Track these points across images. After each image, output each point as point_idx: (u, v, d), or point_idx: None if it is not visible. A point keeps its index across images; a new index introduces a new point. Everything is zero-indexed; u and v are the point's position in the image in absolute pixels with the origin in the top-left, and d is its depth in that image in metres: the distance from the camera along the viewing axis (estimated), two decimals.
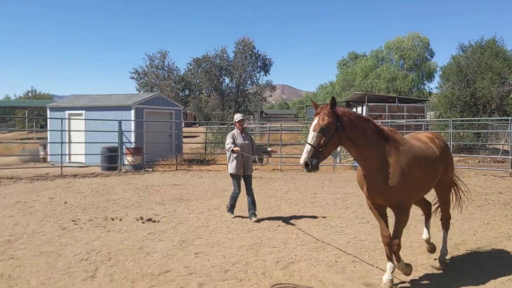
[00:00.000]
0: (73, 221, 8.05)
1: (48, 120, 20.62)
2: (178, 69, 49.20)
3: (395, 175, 4.68)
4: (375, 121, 4.99)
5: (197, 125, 49.08)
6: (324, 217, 8.54)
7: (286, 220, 8.28)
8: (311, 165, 4.41)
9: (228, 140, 8.35)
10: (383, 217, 5.06)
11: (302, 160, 4.41)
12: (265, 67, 40.10)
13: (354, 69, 50.46)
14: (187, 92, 50.44)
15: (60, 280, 5.12)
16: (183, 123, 21.50)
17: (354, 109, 21.02)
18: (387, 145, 4.75)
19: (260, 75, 40.41)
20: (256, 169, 17.00)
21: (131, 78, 48.71)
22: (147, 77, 47.55)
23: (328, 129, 4.49)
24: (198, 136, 29.29)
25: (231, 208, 8.63)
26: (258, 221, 8.14)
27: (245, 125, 9.03)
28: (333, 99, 4.61)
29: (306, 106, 59.04)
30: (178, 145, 20.30)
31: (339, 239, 6.89)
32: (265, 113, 58.79)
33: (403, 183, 4.69)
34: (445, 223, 5.88)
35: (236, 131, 8.50)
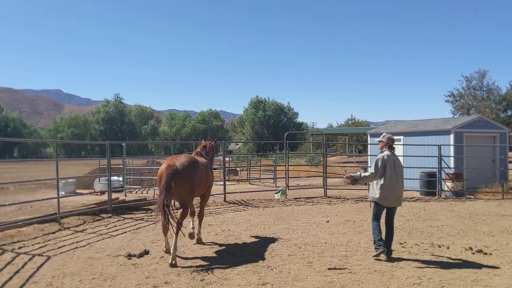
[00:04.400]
0: (400, 244, 8.32)
1: (369, 145, 22.08)
2: (499, 88, 44.83)
3: None
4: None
5: None
6: None
7: None
8: None
9: None
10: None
11: None
12: None
13: None
14: (510, 113, 45.31)
15: None
16: (507, 147, 19.24)
17: None
18: None
19: None
20: None
21: (446, 101, 47.28)
22: (463, 99, 45.10)
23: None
24: None
25: None
26: None
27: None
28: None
29: None
30: (503, 171, 18.29)
31: None
32: None
33: None
34: None
35: None
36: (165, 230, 7.36)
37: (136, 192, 19.42)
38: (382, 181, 7.30)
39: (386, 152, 7.46)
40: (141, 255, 7.47)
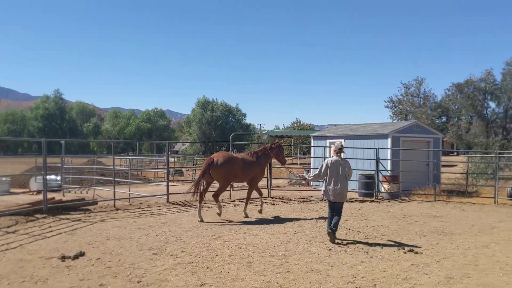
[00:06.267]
0: (337, 243, 8.57)
1: (312, 147, 22.60)
2: (434, 95, 47.31)
3: None
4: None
5: (455, 153, 45.83)
6: None
7: None
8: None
9: None
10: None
11: None
12: None
13: None
14: (444, 119, 47.89)
15: None
16: (440, 151, 20.36)
17: None
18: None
19: None
20: None
21: (385, 107, 49.20)
22: (401, 105, 47.16)
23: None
24: (456, 165, 27.25)
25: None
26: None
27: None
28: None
29: None
30: (435, 174, 19.33)
31: None
32: None
33: None
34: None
35: None
36: (200, 199, 11.07)
37: (75, 192, 18.74)
38: (326, 180, 8.87)
39: (333, 157, 8.97)
40: (76, 257, 7.22)
